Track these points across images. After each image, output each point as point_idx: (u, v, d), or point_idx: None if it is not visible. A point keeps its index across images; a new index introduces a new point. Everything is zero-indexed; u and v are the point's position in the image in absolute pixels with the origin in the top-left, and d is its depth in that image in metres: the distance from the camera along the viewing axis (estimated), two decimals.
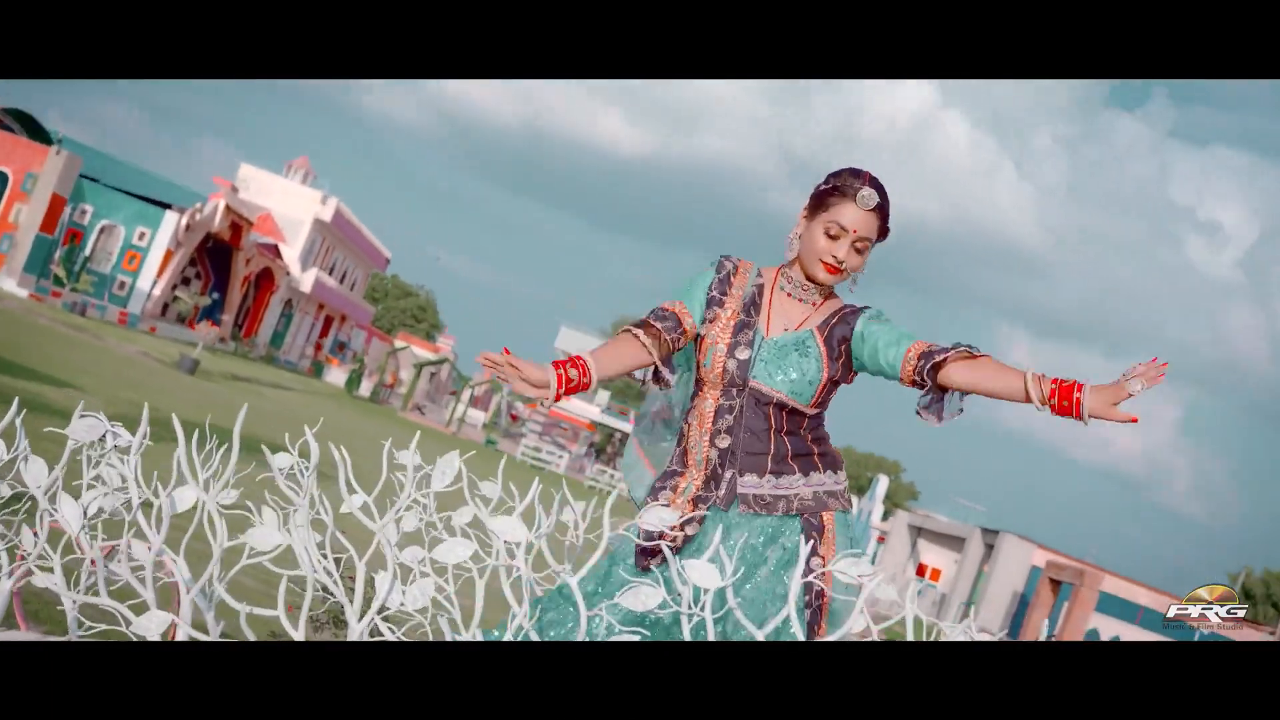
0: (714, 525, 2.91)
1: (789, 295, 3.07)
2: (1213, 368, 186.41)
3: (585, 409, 54.78)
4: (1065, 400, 2.64)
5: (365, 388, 44.06)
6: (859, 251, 2.98)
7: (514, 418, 62.86)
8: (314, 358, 49.90)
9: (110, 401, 12.91)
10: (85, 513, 2.30)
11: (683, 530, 2.89)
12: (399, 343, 53.52)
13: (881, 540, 43.07)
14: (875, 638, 2.30)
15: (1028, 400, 2.68)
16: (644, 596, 2.41)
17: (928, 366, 2.81)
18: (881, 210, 2.97)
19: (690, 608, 2.26)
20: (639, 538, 2.90)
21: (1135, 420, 2.62)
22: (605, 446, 58.62)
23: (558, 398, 2.78)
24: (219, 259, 41.16)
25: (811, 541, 2.73)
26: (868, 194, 2.94)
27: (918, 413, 2.90)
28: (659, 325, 2.97)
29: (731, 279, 3.08)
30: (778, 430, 2.97)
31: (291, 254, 46.63)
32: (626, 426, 55.09)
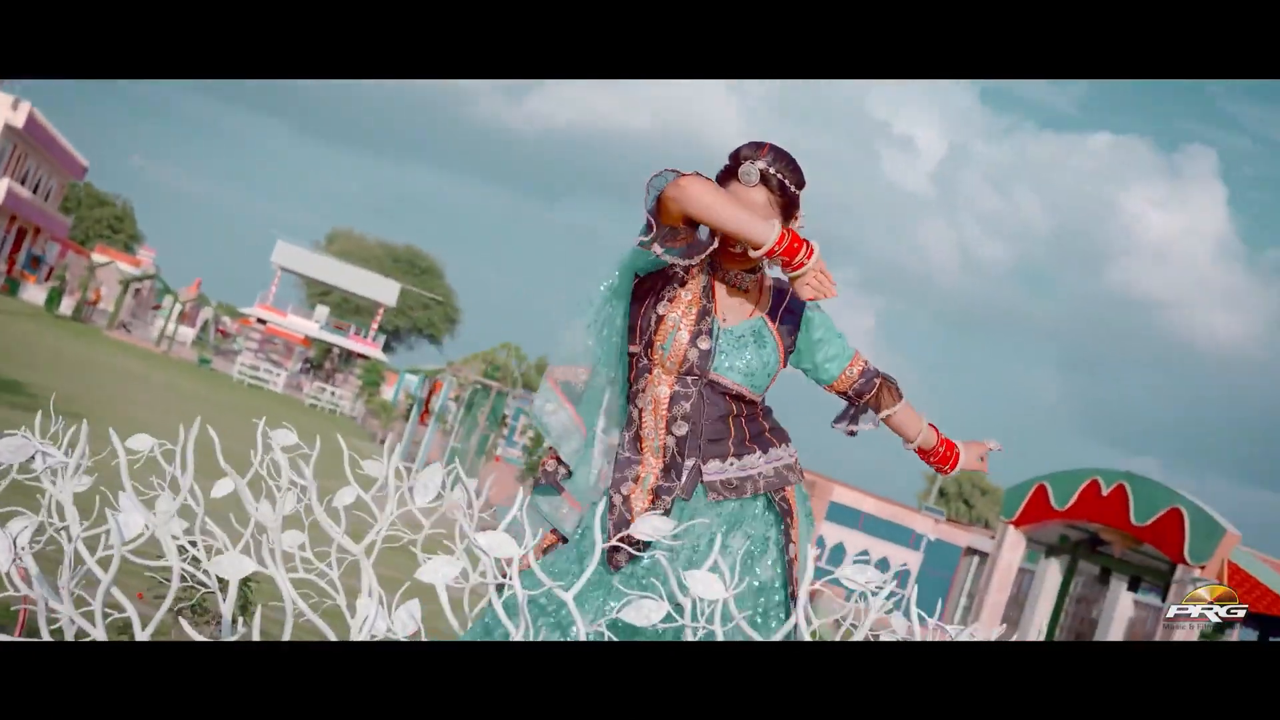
0: (678, 517, 2.77)
1: (725, 281, 2.91)
2: (906, 277, 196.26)
3: (302, 324, 53.27)
4: (947, 453, 3.12)
5: (67, 305, 41.54)
6: None
7: (223, 333, 60.62)
8: (7, 274, 46.70)
9: None
10: (15, 543, 1.99)
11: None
12: (100, 257, 50.47)
13: None
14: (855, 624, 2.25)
15: (911, 443, 3.10)
16: (646, 610, 2.29)
17: (864, 392, 3.05)
18: (770, 184, 2.79)
19: (688, 616, 2.16)
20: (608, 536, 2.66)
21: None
22: (322, 362, 57.17)
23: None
24: None
25: (786, 528, 2.83)
26: (745, 170, 2.79)
27: (835, 424, 3.15)
28: None
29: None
30: (736, 415, 2.86)
31: None
32: (344, 342, 53.90)
